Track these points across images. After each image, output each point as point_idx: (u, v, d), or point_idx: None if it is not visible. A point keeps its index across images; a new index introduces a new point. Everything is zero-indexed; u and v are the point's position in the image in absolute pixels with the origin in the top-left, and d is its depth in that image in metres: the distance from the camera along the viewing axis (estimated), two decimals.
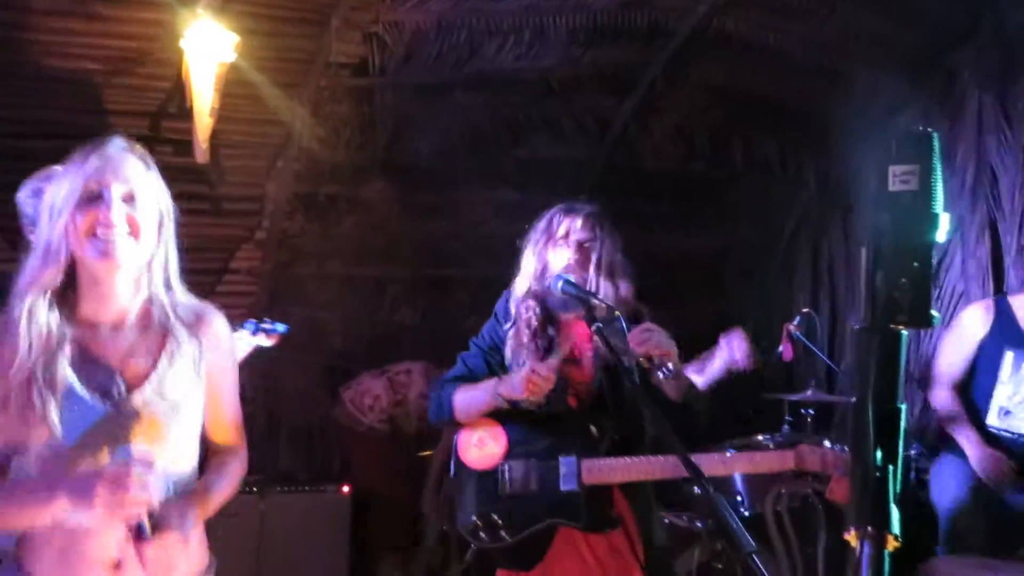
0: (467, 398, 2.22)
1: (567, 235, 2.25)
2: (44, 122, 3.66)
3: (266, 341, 2.47)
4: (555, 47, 4.26)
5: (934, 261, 4.38)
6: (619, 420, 2.19)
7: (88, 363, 1.46)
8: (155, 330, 1.54)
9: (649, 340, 2.01)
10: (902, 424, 0.68)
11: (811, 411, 3.76)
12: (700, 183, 5.08)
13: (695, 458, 1.98)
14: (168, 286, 1.56)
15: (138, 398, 1.48)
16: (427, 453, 4.15)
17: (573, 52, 4.30)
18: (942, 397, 3.29)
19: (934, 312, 0.67)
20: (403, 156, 4.60)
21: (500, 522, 2.14)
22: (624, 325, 1.96)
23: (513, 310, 2.27)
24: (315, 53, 3.92)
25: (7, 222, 3.93)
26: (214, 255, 4.43)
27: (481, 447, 2.20)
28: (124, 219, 1.46)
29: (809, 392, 3.71)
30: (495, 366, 2.29)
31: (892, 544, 0.66)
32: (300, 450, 4.74)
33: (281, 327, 2.48)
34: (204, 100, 3.48)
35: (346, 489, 4.13)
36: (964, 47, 4.35)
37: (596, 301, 2.03)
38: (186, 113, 3.61)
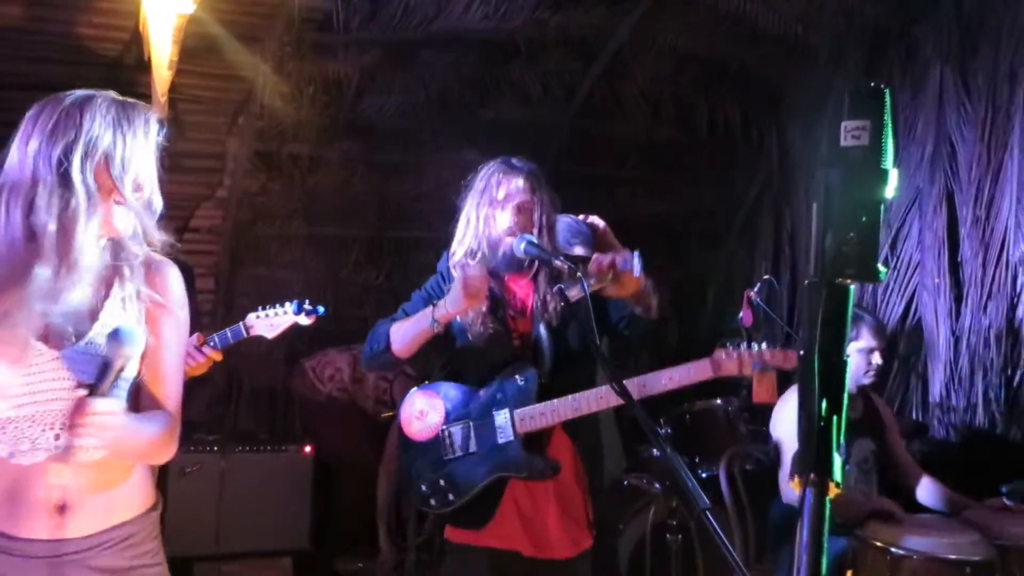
0: (403, 327, 2.24)
1: (507, 197, 2.24)
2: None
3: (305, 320, 2.48)
4: (522, 8, 4.22)
5: (893, 225, 4.48)
6: (554, 368, 2.22)
7: None
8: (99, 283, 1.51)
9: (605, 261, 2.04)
10: (847, 376, 0.71)
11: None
12: (665, 149, 5.10)
13: (668, 373, 2.11)
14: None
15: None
16: (387, 415, 4.18)
17: (540, 14, 4.27)
18: None
19: (881, 267, 0.69)
20: (368, 115, 4.55)
21: (446, 486, 2.18)
22: (586, 283, 1.97)
23: (454, 271, 2.26)
24: (278, 7, 3.83)
25: None
26: (173, 212, 4.30)
27: (422, 419, 2.24)
28: None
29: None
30: None
31: (834, 491, 0.69)
32: (261, 411, 4.73)
33: (321, 309, 2.50)
34: (162, 52, 3.39)
35: (308, 449, 4.13)
36: (926, 20, 4.40)
37: (558, 262, 2.04)
38: (144, 65, 3.52)
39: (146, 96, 3.61)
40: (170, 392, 1.57)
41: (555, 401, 2.13)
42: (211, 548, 3.81)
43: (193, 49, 3.61)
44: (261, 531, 3.94)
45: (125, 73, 3.78)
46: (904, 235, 4.52)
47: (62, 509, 1.44)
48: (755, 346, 2.20)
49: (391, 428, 4.08)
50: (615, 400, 1.97)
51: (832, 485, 0.68)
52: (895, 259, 4.55)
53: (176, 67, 3.45)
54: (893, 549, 2.43)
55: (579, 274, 1.96)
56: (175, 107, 3.83)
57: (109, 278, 1.50)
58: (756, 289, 3.98)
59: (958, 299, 4.19)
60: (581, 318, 2.13)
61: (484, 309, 2.17)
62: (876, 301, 4.59)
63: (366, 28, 4.11)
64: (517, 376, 2.18)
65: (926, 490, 2.99)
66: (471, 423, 2.19)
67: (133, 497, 1.55)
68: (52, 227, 1.38)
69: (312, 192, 4.65)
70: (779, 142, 5.24)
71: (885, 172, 0.68)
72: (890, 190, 0.69)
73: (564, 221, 2.44)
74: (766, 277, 4.17)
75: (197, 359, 2.35)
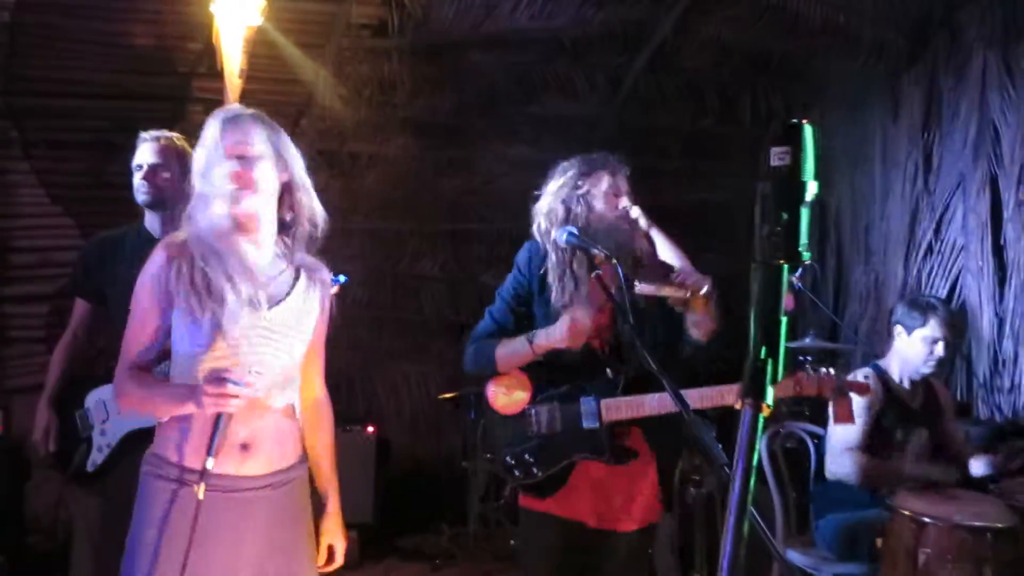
0: (508, 352, 2.36)
1: (618, 194, 2.36)
2: (87, 82, 3.88)
3: (331, 290, 2.71)
4: (567, 6, 4.40)
5: (936, 209, 4.53)
6: (635, 361, 2.33)
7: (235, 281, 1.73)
8: (288, 265, 1.82)
9: (681, 280, 2.19)
10: (782, 331, 0.93)
11: (809, 358, 3.95)
12: (709, 139, 5.23)
13: (700, 392, 2.22)
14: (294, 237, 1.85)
15: (276, 314, 1.75)
16: (446, 396, 4.42)
17: (585, 11, 4.44)
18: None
19: (804, 252, 0.91)
20: (422, 114, 4.78)
21: (531, 460, 2.34)
22: (621, 271, 2.14)
23: (553, 255, 2.36)
24: (336, 15, 4.09)
25: (57, 178, 4.22)
26: None
27: (509, 395, 2.37)
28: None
29: (808, 340, 3.90)
30: (521, 317, 2.43)
31: (766, 410, 0.90)
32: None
33: (343, 277, 2.72)
34: (233, 61, 3.67)
35: (371, 429, 4.39)
36: (969, 5, 4.43)
37: (596, 251, 2.20)
38: (216, 73, 3.81)
39: (218, 102, 3.92)
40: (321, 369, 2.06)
41: (642, 397, 2.28)
42: None
43: (259, 57, 3.89)
44: None
45: (199, 81, 4.08)
46: (948, 219, 4.56)
47: (246, 447, 1.71)
48: (833, 371, 2.33)
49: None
50: (698, 404, 2.14)
51: (764, 407, 0.89)
52: (939, 243, 4.60)
53: (245, 75, 3.74)
54: (920, 518, 2.56)
55: (615, 264, 2.12)
56: None
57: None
58: (798, 274, 4.15)
59: (1001, 282, 4.24)
60: (655, 318, 2.32)
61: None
62: (920, 284, 4.65)
63: (419, 32, 4.34)
64: (608, 369, 2.34)
65: (978, 464, 3.05)
66: (558, 405, 2.34)
67: (297, 444, 1.84)
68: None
69: (371, 188, 4.91)
70: (821, 131, 5.30)
71: (804, 183, 0.92)
72: (808, 195, 0.93)
73: None
74: (807, 263, 4.28)
75: None
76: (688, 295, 2.18)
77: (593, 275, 2.19)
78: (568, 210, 2.34)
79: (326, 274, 1.92)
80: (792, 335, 4.47)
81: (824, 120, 5.28)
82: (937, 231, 4.62)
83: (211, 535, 1.65)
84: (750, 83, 5.07)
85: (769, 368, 0.91)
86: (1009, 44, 4.26)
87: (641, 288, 2.18)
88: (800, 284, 4.10)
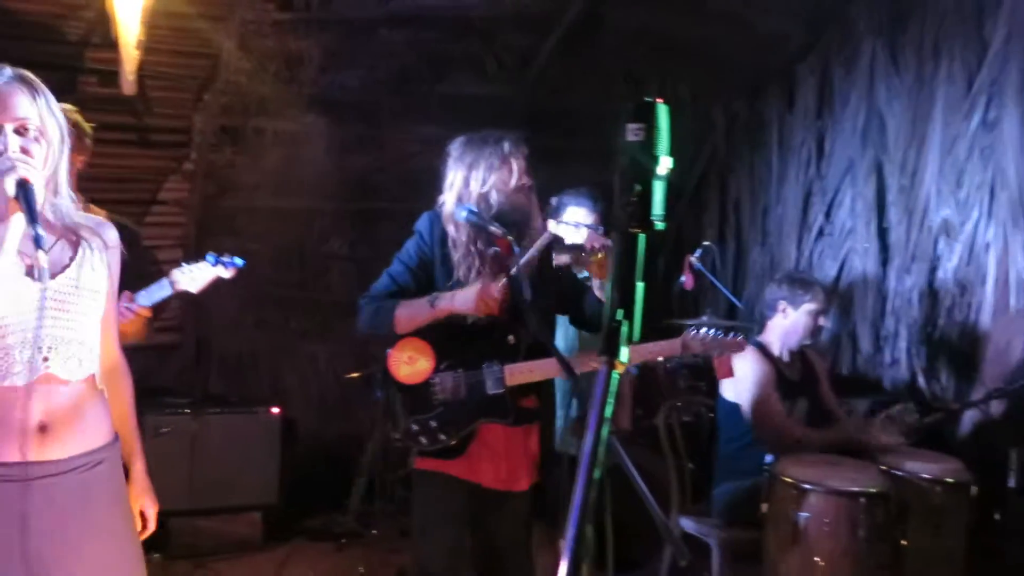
0: (409, 312, 2.41)
1: (518, 168, 2.43)
2: None
3: (226, 273, 2.67)
4: None
5: (828, 193, 4.74)
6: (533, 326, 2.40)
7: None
8: (66, 233, 1.73)
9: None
10: (639, 294, 0.99)
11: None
12: (617, 121, 5.32)
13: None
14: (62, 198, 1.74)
15: (61, 283, 1.67)
16: (353, 375, 4.41)
17: None
18: None
19: (658, 222, 0.97)
20: (331, 91, 4.72)
21: (436, 426, 2.40)
22: (518, 249, 2.21)
23: (452, 229, 2.43)
24: None
25: None
26: (141, 186, 4.53)
27: (412, 364, 2.42)
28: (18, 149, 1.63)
29: (704, 318, 4.06)
30: (421, 281, 2.47)
31: (620, 367, 0.98)
32: (230, 376, 4.94)
33: (239, 261, 2.68)
34: (129, 32, 3.55)
35: (276, 410, 4.34)
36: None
37: (493, 228, 2.27)
38: (111, 44, 3.67)
39: (113, 74, 3.79)
40: (116, 327, 1.93)
41: (542, 360, 2.38)
42: (185, 504, 3.99)
43: (159, 28, 3.77)
44: (232, 488, 4.13)
45: (92, 51, 3.92)
46: (838, 203, 4.80)
47: (43, 429, 1.62)
48: (718, 332, 2.52)
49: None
50: (596, 363, 2.22)
51: (618, 363, 0.97)
52: (830, 225, 4.84)
53: (143, 46, 3.62)
54: (800, 484, 2.72)
55: (511, 240, 2.19)
56: (142, 84, 3.98)
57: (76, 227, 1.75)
58: (697, 255, 4.30)
59: (884, 263, 4.49)
60: (558, 286, 2.43)
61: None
62: (812, 264, 4.88)
63: (326, 7, 4.28)
64: (510, 336, 2.42)
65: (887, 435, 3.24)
66: (463, 372, 2.40)
67: (106, 420, 1.77)
68: None
69: (278, 166, 4.83)
70: (725, 114, 5.49)
71: (656, 157, 0.98)
72: (662, 169, 0.99)
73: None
74: (706, 243, 4.45)
75: (127, 316, 2.54)
76: (595, 258, 2.28)
77: (491, 251, 2.25)
78: (467, 187, 2.39)
79: (111, 232, 1.82)
80: (691, 313, 4.63)
81: (727, 104, 5.47)
82: (828, 214, 4.86)
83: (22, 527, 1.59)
84: (657, 68, 5.18)
85: (624, 329, 0.97)
86: (896, 36, 4.49)
87: (557, 259, 2.32)
88: (700, 264, 4.25)
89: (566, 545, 0.84)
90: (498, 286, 2.29)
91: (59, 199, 1.72)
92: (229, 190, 4.79)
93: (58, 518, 1.63)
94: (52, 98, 1.70)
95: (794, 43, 4.94)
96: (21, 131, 1.64)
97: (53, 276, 1.65)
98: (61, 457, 1.65)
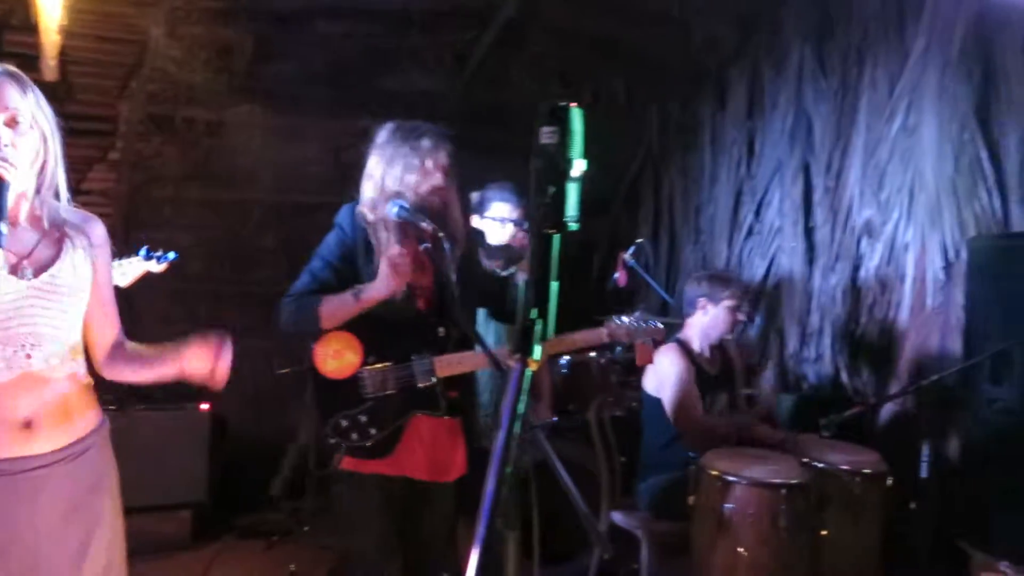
0: (333, 307, 2.36)
1: (435, 168, 2.40)
2: None
3: (156, 267, 2.61)
4: None
5: (757, 193, 4.85)
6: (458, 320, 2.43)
7: None
8: (51, 231, 1.74)
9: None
10: (553, 295, 1.01)
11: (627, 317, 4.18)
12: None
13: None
14: (56, 196, 1.77)
15: (44, 281, 1.68)
16: (284, 371, 4.34)
17: None
18: None
19: (571, 222, 0.99)
20: (265, 82, 4.64)
21: (367, 421, 2.36)
22: (447, 244, 2.21)
23: (371, 216, 2.39)
24: None
25: None
26: (66, 175, 4.38)
27: (339, 358, 2.37)
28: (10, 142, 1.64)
29: (637, 313, 4.11)
30: (345, 275, 2.41)
31: (533, 364, 1.00)
32: None
33: (172, 255, 2.62)
34: (50, 15, 3.43)
35: (205, 407, 4.26)
36: (789, 2, 4.76)
37: (425, 224, 2.26)
38: (31, 27, 3.55)
39: (33, 58, 3.66)
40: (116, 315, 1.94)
41: (471, 352, 2.38)
42: None
43: (82, 12, 3.65)
44: (161, 486, 4.04)
45: (10, 34, 3.78)
46: (767, 202, 4.92)
47: (28, 425, 1.64)
48: (639, 320, 2.60)
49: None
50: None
51: (531, 361, 0.98)
52: (759, 224, 4.96)
53: (65, 30, 3.51)
54: (725, 476, 2.79)
55: (441, 236, 2.20)
56: (64, 69, 3.86)
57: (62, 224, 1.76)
58: (630, 251, 4.36)
59: (810, 261, 4.62)
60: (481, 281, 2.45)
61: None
62: (742, 262, 5.00)
63: None
64: (439, 328, 2.40)
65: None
66: (392, 365, 2.37)
67: (88, 412, 1.77)
68: None
69: (208, 156, 4.73)
70: (659, 114, 5.58)
71: (570, 160, 1.00)
72: (576, 171, 1.01)
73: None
74: (639, 240, 4.52)
75: None
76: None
77: (422, 248, 2.24)
78: (383, 184, 2.38)
79: (98, 228, 1.84)
80: (625, 310, 4.69)
81: (660, 104, 5.55)
82: (757, 213, 4.97)
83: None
84: (593, 67, 5.24)
85: (538, 327, 0.99)
86: (823, 40, 4.61)
87: (491, 264, 2.29)
88: (634, 261, 4.31)
89: (476, 538, 0.85)
90: (400, 249, 2.27)
91: (50, 194, 1.75)
92: (157, 180, 4.67)
93: (44, 508, 1.66)
94: (40, 94, 1.73)
95: (726, 46, 5.05)
96: (11, 124, 1.66)
97: (36, 274, 1.67)
98: (46, 451, 1.68)
